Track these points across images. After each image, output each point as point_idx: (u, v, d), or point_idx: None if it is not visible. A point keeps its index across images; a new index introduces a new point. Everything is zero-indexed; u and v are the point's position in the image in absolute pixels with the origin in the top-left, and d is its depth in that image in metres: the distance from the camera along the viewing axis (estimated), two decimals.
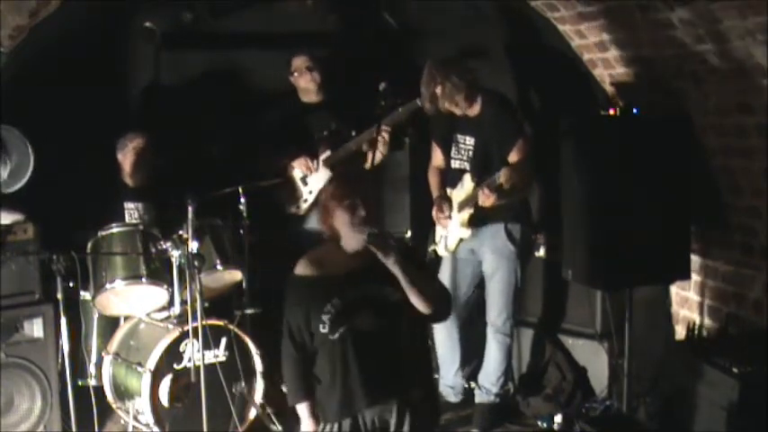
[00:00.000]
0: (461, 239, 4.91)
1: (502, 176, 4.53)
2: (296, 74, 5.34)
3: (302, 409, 3.42)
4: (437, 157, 5.09)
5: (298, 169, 5.32)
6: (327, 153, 5.29)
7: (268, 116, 5.48)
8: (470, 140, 4.87)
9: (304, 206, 5.34)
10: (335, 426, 3.34)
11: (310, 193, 5.31)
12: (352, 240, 3.31)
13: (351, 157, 5.21)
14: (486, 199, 4.63)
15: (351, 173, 3.59)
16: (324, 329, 3.28)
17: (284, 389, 4.69)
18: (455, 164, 4.94)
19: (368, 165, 5.08)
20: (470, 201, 4.77)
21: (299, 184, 5.34)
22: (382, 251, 3.22)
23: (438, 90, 4.70)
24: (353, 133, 5.20)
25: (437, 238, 5.06)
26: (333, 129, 5.36)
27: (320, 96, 5.38)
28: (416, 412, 3.36)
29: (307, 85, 5.34)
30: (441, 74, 4.69)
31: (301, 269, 3.39)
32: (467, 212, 4.82)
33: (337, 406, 3.32)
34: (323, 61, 5.34)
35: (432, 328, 5.03)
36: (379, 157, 5.14)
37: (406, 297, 3.28)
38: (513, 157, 4.73)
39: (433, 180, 5.10)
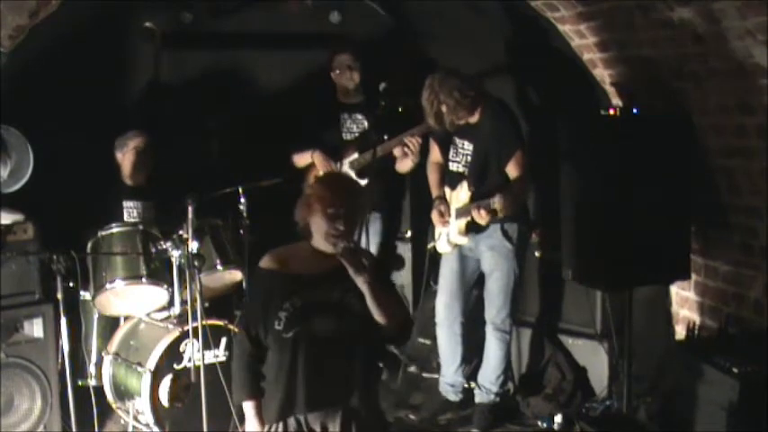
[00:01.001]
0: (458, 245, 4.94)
1: (497, 203, 4.54)
2: (337, 71, 5.33)
3: (248, 408, 3.32)
4: (435, 154, 5.09)
5: (321, 170, 5.32)
6: (354, 155, 5.28)
7: (303, 112, 5.44)
8: (469, 146, 4.87)
9: None
10: (279, 427, 3.24)
11: None
12: (321, 245, 3.24)
13: (378, 161, 5.16)
14: (481, 219, 4.65)
15: (347, 181, 3.47)
16: (279, 326, 3.19)
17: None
18: (453, 166, 4.95)
19: (402, 169, 5.13)
20: (467, 211, 4.77)
21: None
22: (354, 268, 3.14)
23: (443, 108, 4.70)
24: (386, 137, 5.17)
25: (436, 235, 5.06)
26: (364, 131, 5.36)
27: (356, 97, 5.38)
28: (361, 425, 3.27)
29: (346, 83, 5.34)
30: (443, 92, 4.67)
31: (266, 263, 3.31)
32: (463, 221, 4.82)
33: (278, 406, 3.22)
34: (363, 62, 5.33)
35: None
36: (410, 164, 5.16)
37: (366, 310, 3.19)
38: (511, 169, 4.74)
39: (432, 177, 5.10)
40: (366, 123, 5.36)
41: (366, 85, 5.33)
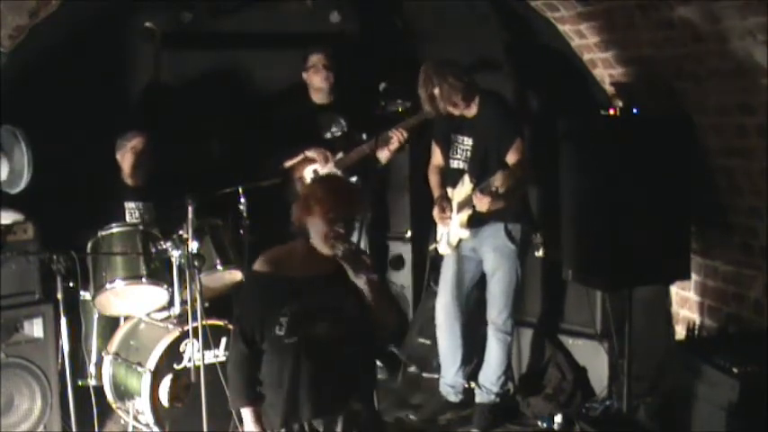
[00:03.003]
0: (461, 239, 4.92)
1: (497, 180, 4.54)
2: (311, 71, 5.30)
3: (246, 414, 3.27)
4: (437, 157, 5.10)
5: (309, 168, 5.29)
6: (340, 155, 5.27)
7: (278, 115, 5.45)
8: (468, 141, 4.88)
9: None
10: None
11: None
12: (319, 247, 3.21)
13: (363, 159, 5.17)
14: (481, 203, 4.65)
15: (346, 182, 3.42)
16: (280, 332, 3.16)
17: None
18: (454, 164, 4.95)
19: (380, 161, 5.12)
20: (469, 202, 4.78)
21: None
22: (354, 270, 3.14)
23: (436, 91, 4.71)
24: (364, 136, 5.17)
25: (438, 237, 5.07)
26: (345, 130, 5.34)
27: (331, 97, 5.35)
28: (362, 426, 3.27)
29: (320, 83, 5.30)
30: (437, 75, 4.70)
31: (261, 266, 3.27)
32: (465, 213, 4.83)
33: (282, 413, 3.20)
34: (338, 61, 5.31)
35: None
36: (386, 155, 5.14)
37: (365, 312, 3.20)
38: (510, 157, 4.74)
39: (434, 179, 5.10)
40: (344, 123, 5.34)
41: (340, 83, 5.30)
